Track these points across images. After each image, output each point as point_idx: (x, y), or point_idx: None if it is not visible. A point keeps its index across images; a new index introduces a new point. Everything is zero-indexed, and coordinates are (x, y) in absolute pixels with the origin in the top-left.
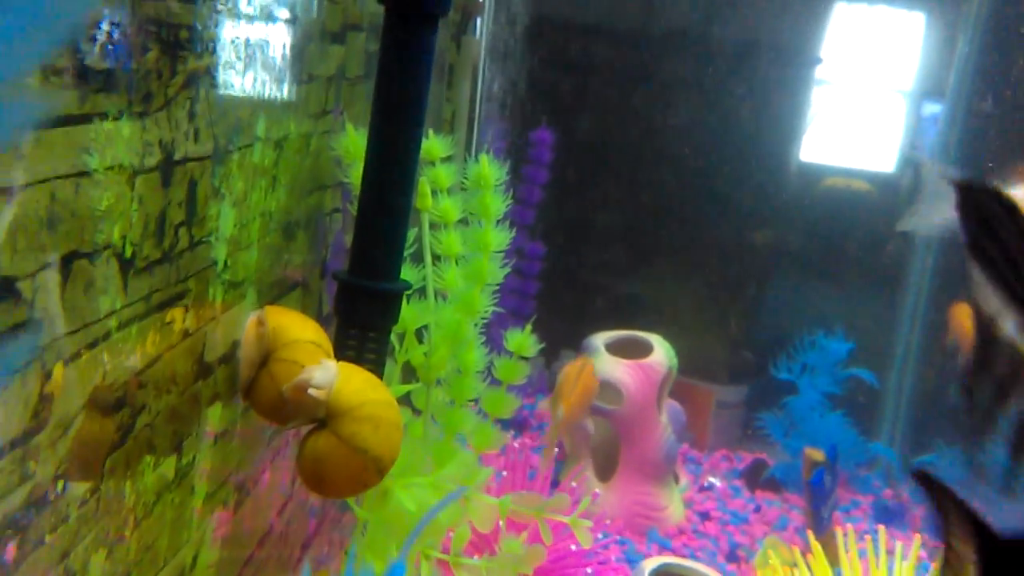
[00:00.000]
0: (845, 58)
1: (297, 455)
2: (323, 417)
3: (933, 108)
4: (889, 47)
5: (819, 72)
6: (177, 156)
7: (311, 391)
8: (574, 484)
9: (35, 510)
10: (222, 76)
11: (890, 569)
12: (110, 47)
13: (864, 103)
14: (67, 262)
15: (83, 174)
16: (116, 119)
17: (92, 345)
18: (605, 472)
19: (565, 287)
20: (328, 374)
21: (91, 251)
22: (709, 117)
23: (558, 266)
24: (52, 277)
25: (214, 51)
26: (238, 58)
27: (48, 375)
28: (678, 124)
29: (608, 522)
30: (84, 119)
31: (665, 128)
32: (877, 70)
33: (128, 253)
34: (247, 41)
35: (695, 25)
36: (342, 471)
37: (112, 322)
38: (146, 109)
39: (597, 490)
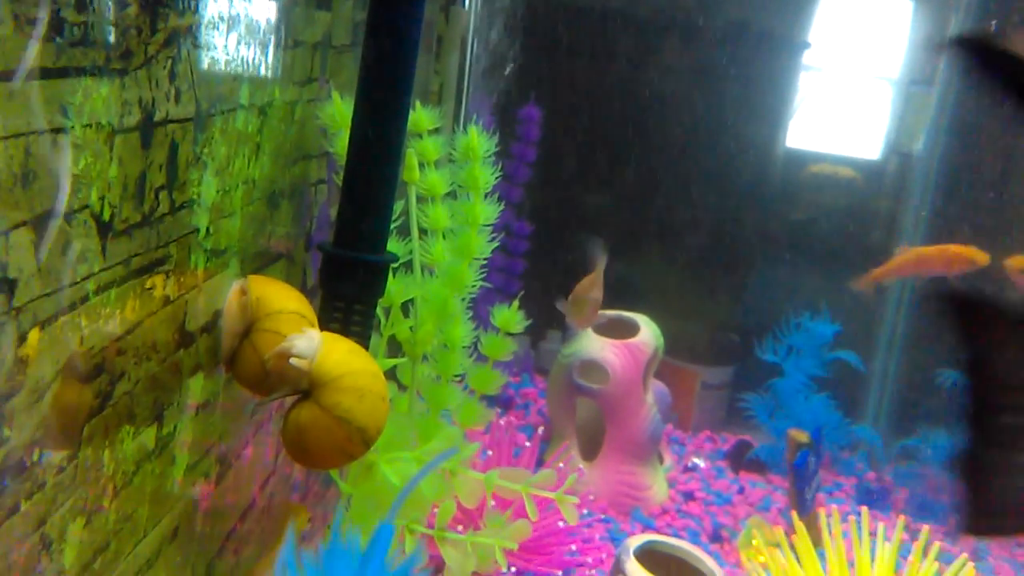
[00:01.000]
0: (833, 44)
1: (282, 426)
2: (307, 388)
3: (922, 95)
4: (877, 33)
5: (807, 58)
6: (157, 117)
7: (293, 361)
8: (561, 465)
9: (10, 476)
10: (205, 37)
11: (872, 550)
12: None
13: (851, 90)
14: (42, 221)
15: (59, 131)
16: (94, 75)
17: (69, 308)
18: (590, 451)
19: (551, 266)
20: (311, 343)
21: (68, 211)
22: (697, 100)
23: (544, 245)
24: (26, 236)
25: (196, 10)
26: (221, 19)
27: (23, 337)
28: (666, 106)
29: (592, 498)
30: (60, 73)
31: (653, 109)
32: (865, 56)
33: (106, 215)
34: (231, 2)
35: (685, 8)
36: (326, 441)
37: (90, 285)
38: (125, 67)
39: (581, 467)
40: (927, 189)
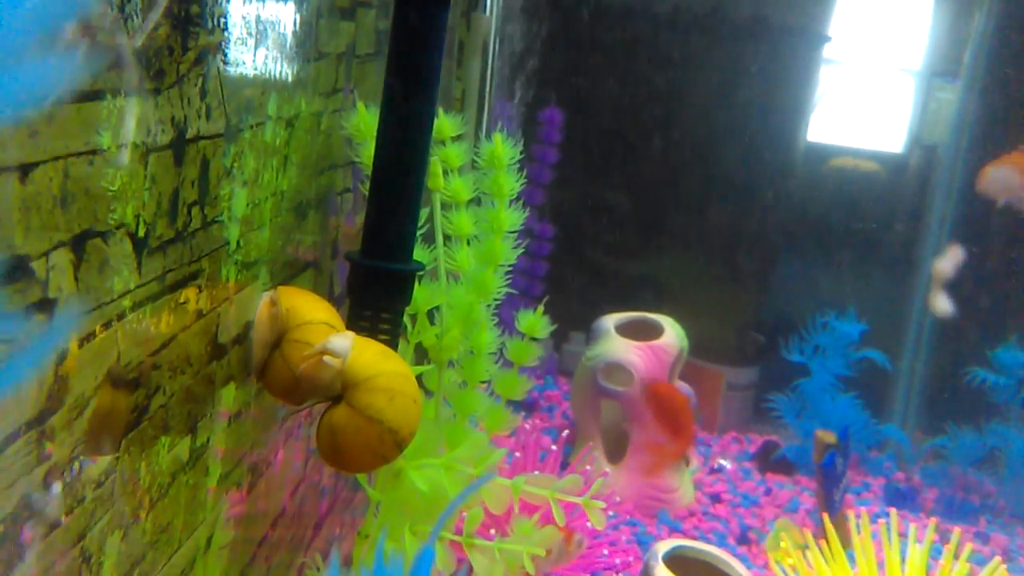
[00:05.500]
0: (854, 36)
1: (316, 430)
2: (339, 392)
3: (945, 88)
4: (900, 25)
5: (828, 51)
6: (189, 134)
7: (326, 359)
8: (588, 468)
9: (51, 491)
10: (233, 53)
11: (903, 552)
12: (121, 22)
13: (873, 83)
14: (81, 241)
15: (96, 152)
16: (128, 96)
17: (107, 325)
18: (615, 454)
19: (575, 268)
20: (345, 343)
21: (105, 230)
22: (718, 97)
23: (568, 247)
24: (66, 256)
25: (225, 27)
26: (249, 35)
27: (63, 356)
28: (687, 104)
29: (618, 499)
30: (96, 95)
31: (675, 108)
32: (887, 49)
33: (141, 232)
34: (257, 17)
35: (704, 3)
36: (358, 443)
37: (126, 302)
38: (158, 86)
39: (607, 470)
40: (952, 183)
